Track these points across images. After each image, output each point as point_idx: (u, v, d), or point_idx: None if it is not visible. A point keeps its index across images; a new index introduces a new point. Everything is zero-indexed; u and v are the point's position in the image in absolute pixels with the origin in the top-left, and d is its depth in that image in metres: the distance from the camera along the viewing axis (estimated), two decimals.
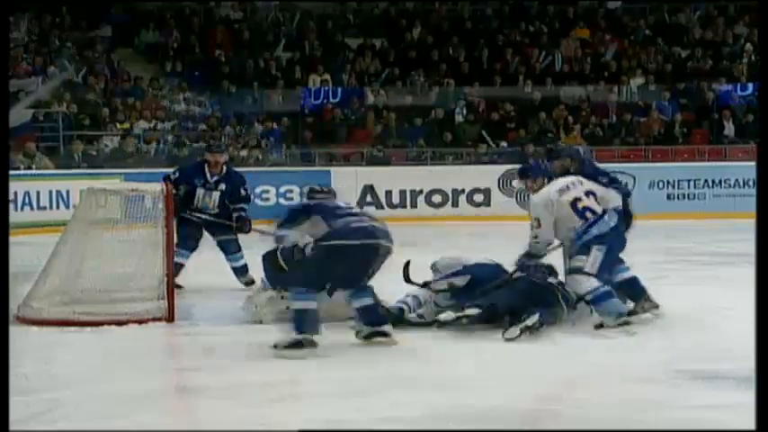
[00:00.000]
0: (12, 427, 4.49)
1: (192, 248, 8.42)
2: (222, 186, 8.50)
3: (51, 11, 19.68)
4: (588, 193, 6.61)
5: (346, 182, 15.98)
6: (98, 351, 6.12)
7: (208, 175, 8.49)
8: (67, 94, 17.44)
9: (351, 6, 21.63)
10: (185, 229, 8.32)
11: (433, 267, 7.15)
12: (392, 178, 16.47)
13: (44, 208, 14.44)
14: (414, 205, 16.19)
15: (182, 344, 6.40)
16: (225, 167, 8.62)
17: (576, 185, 6.67)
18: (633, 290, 6.69)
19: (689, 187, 16.29)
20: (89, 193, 7.68)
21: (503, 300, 6.49)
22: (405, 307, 6.86)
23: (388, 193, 16.20)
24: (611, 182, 6.99)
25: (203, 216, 8.45)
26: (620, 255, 6.76)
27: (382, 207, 16.06)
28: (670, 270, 6.88)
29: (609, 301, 6.39)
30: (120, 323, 6.74)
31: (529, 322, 6.27)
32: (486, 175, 16.35)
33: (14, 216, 13.99)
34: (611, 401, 4.89)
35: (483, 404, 4.81)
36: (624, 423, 4.52)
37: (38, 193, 14.43)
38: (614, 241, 6.52)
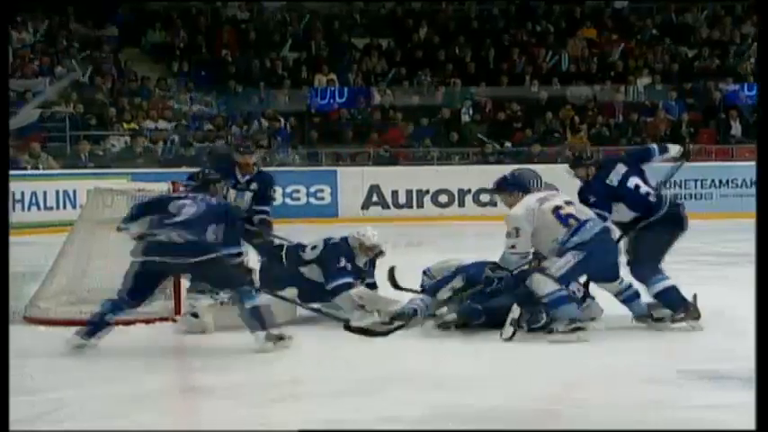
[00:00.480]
0: (18, 426, 4.50)
1: None
2: (254, 186, 8.23)
3: (58, 11, 19.70)
4: (568, 202, 6.48)
5: (352, 182, 16.04)
6: (104, 351, 6.12)
7: (239, 176, 8.21)
8: (74, 94, 17.47)
9: (357, 6, 21.64)
10: None
11: (427, 273, 7.08)
12: (398, 178, 16.47)
13: (51, 208, 14.47)
14: (420, 205, 16.19)
15: (187, 344, 6.40)
16: (256, 167, 8.39)
17: (554, 196, 6.54)
18: (669, 300, 6.50)
19: (696, 187, 16.25)
20: (96, 193, 7.68)
21: (504, 302, 6.48)
22: (417, 308, 6.82)
23: (395, 193, 16.20)
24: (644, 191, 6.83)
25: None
26: (657, 263, 6.62)
27: (388, 207, 16.08)
28: (678, 270, 6.82)
29: (563, 305, 6.23)
30: (126, 323, 6.73)
31: (515, 314, 6.26)
32: (492, 174, 16.04)
33: (21, 216, 14.06)
34: (613, 402, 4.87)
35: (484, 404, 4.80)
36: (626, 423, 4.50)
37: (44, 193, 14.47)
38: (597, 248, 6.31)
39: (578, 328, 6.19)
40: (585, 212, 6.50)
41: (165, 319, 6.94)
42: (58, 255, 7.41)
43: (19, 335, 6.57)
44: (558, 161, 16.84)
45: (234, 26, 20.71)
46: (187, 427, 4.61)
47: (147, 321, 6.85)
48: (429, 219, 15.61)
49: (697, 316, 6.48)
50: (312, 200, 16.07)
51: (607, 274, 6.53)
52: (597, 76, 19.72)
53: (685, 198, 16.16)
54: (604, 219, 6.63)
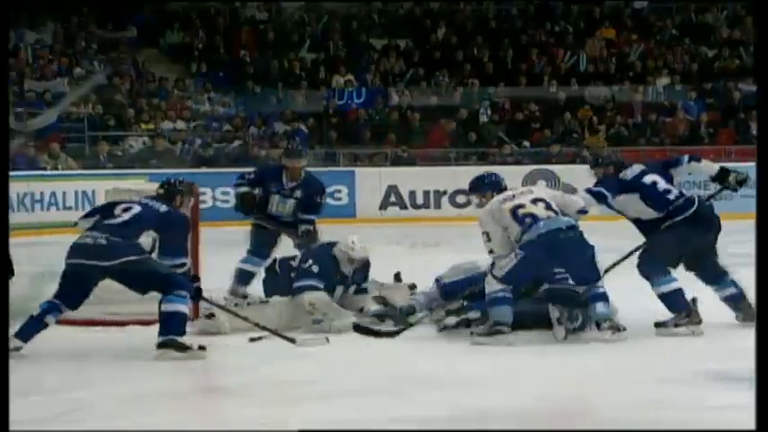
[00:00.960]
0: (37, 426, 4.52)
1: (265, 256, 7.83)
2: (298, 194, 7.92)
3: (77, 12, 19.78)
4: (536, 201, 6.35)
5: (370, 182, 16.02)
6: (123, 351, 6.14)
7: (285, 181, 7.93)
8: (93, 94, 17.53)
9: (375, 7, 21.64)
10: (259, 237, 7.96)
11: (439, 281, 7.02)
12: (416, 179, 16.44)
13: (70, 208, 14.50)
14: (438, 206, 16.16)
15: (206, 344, 6.40)
16: (304, 173, 8.05)
17: (525, 194, 6.46)
18: (672, 303, 6.40)
19: (716, 188, 16.09)
20: (114, 193, 7.68)
21: (525, 307, 6.46)
22: (415, 304, 6.84)
23: (412, 194, 16.18)
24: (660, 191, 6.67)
25: (279, 221, 7.95)
26: (666, 263, 6.47)
27: (406, 207, 16.06)
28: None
29: (497, 307, 6.22)
30: (145, 323, 6.75)
31: (556, 314, 6.27)
32: (510, 175, 16.12)
33: (41, 216, 14.14)
34: (631, 402, 4.86)
35: (494, 404, 4.81)
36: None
37: (64, 194, 14.52)
38: (544, 247, 6.16)
39: (498, 332, 6.14)
40: (568, 204, 6.44)
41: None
42: None
43: (39, 335, 6.60)
44: (577, 161, 16.82)
45: (252, 27, 20.74)
46: (201, 427, 4.62)
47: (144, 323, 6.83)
48: (446, 219, 15.57)
49: (698, 321, 6.37)
50: (330, 200, 15.96)
51: (582, 275, 6.31)
52: (616, 76, 19.64)
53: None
54: (601, 197, 6.56)
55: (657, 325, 6.40)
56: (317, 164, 17.14)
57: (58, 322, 6.92)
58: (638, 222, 6.76)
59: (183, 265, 6.12)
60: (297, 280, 6.83)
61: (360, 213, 15.69)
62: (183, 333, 5.88)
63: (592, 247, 6.34)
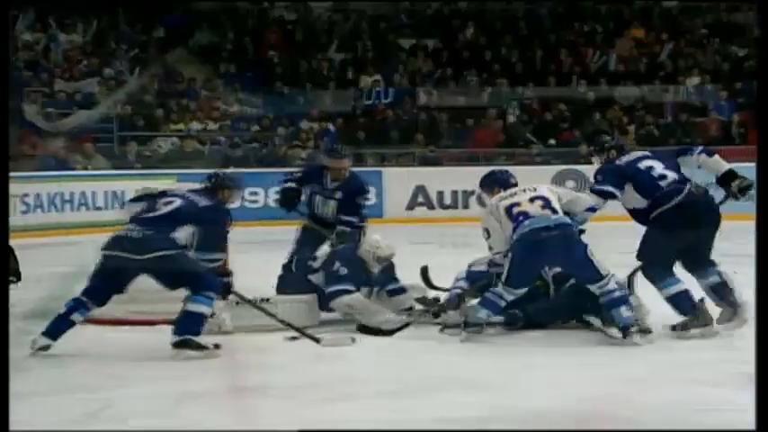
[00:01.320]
0: (69, 426, 4.54)
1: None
2: (339, 195, 7.74)
3: (108, 12, 19.90)
4: (534, 199, 6.27)
5: (398, 182, 16.01)
6: (152, 350, 6.16)
7: (327, 182, 7.77)
8: (122, 95, 17.64)
9: (403, 7, 21.62)
10: (303, 237, 7.82)
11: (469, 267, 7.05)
12: (444, 179, 16.41)
13: (99, 208, 14.61)
14: (465, 206, 16.11)
15: (236, 343, 6.41)
16: (348, 173, 7.85)
17: (526, 192, 6.37)
18: (680, 305, 6.27)
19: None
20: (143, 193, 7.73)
21: (543, 304, 6.49)
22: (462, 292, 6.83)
23: (440, 194, 16.16)
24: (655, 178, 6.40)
25: (324, 223, 7.80)
26: (669, 262, 6.31)
27: (433, 207, 16.05)
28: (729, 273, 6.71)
29: (477, 306, 6.27)
30: (173, 323, 6.76)
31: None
32: (538, 175, 16.19)
33: (70, 216, 14.25)
34: (667, 402, 4.84)
35: (536, 405, 4.79)
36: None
37: (93, 194, 14.61)
38: (526, 246, 6.09)
39: (478, 332, 6.19)
40: (575, 202, 6.37)
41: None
42: None
43: (68, 334, 6.63)
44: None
45: (281, 27, 20.79)
46: (236, 427, 4.62)
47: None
48: (474, 219, 15.43)
49: (708, 321, 6.22)
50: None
51: (582, 274, 6.22)
52: (646, 76, 19.51)
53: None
54: (607, 195, 6.42)
55: (673, 328, 6.26)
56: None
57: (88, 321, 6.97)
58: (631, 213, 6.54)
59: (218, 260, 6.12)
60: (327, 285, 6.78)
61: (387, 214, 15.67)
62: (199, 333, 5.89)
63: (584, 246, 6.18)
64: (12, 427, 4.28)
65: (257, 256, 8.48)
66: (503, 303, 6.27)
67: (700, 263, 6.41)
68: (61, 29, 18.90)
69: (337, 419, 4.57)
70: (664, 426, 4.49)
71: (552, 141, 17.72)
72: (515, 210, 6.25)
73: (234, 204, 6.50)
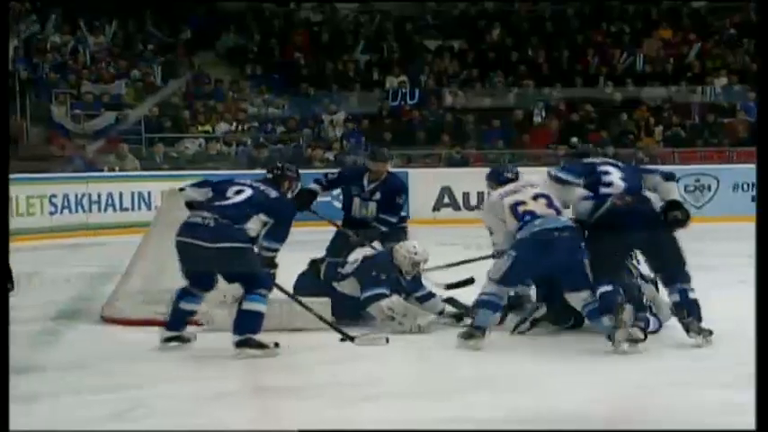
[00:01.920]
0: (96, 426, 4.56)
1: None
2: (377, 196, 7.68)
3: (135, 15, 20.02)
4: (538, 197, 6.20)
5: (424, 184, 15.96)
6: (179, 350, 6.18)
7: (365, 183, 7.71)
8: (150, 97, 17.72)
9: (429, 7, 21.61)
10: (335, 241, 7.78)
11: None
12: (470, 180, 16.35)
13: (127, 209, 14.68)
14: None
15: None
16: (385, 174, 7.79)
17: (527, 189, 6.31)
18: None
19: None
20: (170, 194, 7.75)
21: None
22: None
23: (466, 195, 16.11)
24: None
25: (363, 225, 7.72)
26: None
27: (459, 209, 16.00)
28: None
29: (482, 310, 6.14)
30: (200, 323, 6.79)
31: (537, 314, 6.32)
32: None
33: (98, 217, 14.34)
34: (691, 406, 4.82)
35: (554, 407, 4.79)
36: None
37: (120, 195, 14.69)
38: (534, 248, 6.01)
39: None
40: (574, 200, 6.29)
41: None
42: (134, 256, 7.50)
43: (96, 334, 6.70)
44: (633, 162, 16.65)
45: (307, 29, 20.83)
46: (260, 427, 4.63)
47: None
48: None
49: (620, 325, 5.95)
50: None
51: (571, 279, 6.11)
52: (673, 76, 19.38)
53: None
54: (561, 181, 6.36)
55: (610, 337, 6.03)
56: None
57: (113, 321, 7.02)
58: (577, 215, 6.43)
59: (276, 250, 6.19)
60: (364, 290, 6.76)
61: (413, 215, 15.57)
62: (257, 331, 5.92)
63: (583, 252, 6.11)
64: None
65: (281, 255, 8.50)
66: (503, 303, 6.24)
67: (671, 276, 6.24)
68: (89, 31, 19.03)
69: (360, 420, 4.58)
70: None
71: (575, 139, 17.56)
72: (521, 208, 6.17)
73: (291, 192, 6.57)
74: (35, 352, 6.20)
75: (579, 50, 20.12)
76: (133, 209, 14.69)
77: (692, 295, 6.19)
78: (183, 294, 6.19)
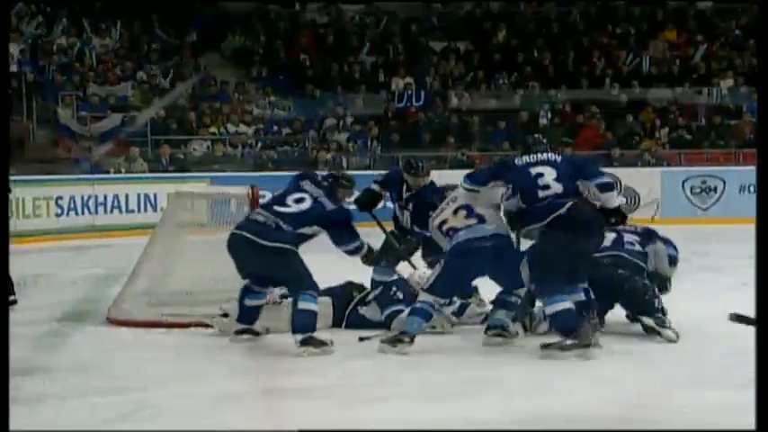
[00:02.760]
0: (104, 426, 4.57)
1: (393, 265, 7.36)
2: (411, 206, 7.48)
3: (141, 17, 20.05)
4: (457, 210, 6.31)
5: None
6: (186, 352, 6.19)
7: (403, 191, 7.56)
8: (156, 98, 17.75)
9: (435, 9, 21.61)
10: (384, 250, 7.37)
11: None
12: None
13: (132, 211, 14.72)
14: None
15: (269, 345, 6.44)
16: (422, 185, 7.52)
17: (449, 205, 6.39)
18: (559, 324, 5.99)
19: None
20: (176, 196, 7.78)
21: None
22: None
23: None
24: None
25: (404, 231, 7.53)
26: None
27: None
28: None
29: (411, 317, 6.20)
30: (206, 325, 6.81)
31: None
32: None
33: (104, 219, 14.37)
34: (691, 406, 4.83)
35: (559, 408, 4.80)
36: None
37: (126, 197, 14.73)
38: (460, 256, 6.13)
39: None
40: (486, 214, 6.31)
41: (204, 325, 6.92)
42: (140, 257, 7.51)
43: (102, 336, 6.70)
44: (638, 165, 16.64)
45: (312, 30, 20.84)
46: (269, 427, 4.64)
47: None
48: None
49: (587, 342, 5.88)
50: (390, 203, 16.01)
51: (510, 282, 6.24)
52: (679, 78, 19.37)
53: None
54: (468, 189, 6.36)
55: (544, 347, 5.99)
56: (375, 167, 17.22)
57: (119, 323, 7.03)
58: (507, 215, 6.45)
59: (359, 247, 6.42)
60: (384, 309, 6.85)
61: None
62: (314, 329, 6.09)
63: (520, 255, 6.18)
64: (38, 428, 4.33)
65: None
66: (433, 312, 6.28)
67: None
68: (95, 33, 19.06)
69: (365, 421, 4.59)
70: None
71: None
72: (444, 227, 6.35)
73: (345, 201, 6.69)
74: (41, 353, 6.21)
75: (585, 52, 20.10)
76: (139, 211, 14.73)
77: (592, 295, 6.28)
78: (247, 291, 6.41)
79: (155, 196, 14.51)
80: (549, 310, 5.99)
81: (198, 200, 7.68)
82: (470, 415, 4.70)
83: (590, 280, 6.29)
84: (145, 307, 7.25)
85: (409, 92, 19.02)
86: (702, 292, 6.74)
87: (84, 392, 5.18)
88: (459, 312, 7.03)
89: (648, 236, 6.93)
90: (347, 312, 6.96)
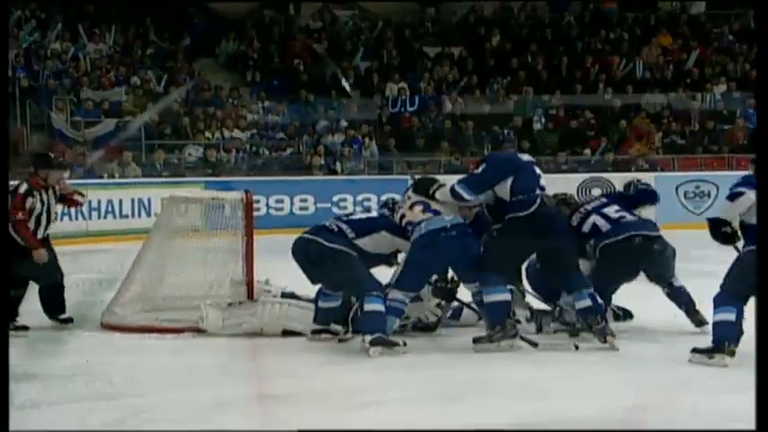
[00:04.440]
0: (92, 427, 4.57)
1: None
2: None
3: (136, 22, 20.03)
4: (413, 205, 6.43)
5: None
6: (180, 357, 6.19)
7: None
8: (150, 103, 17.72)
9: (429, 14, 21.62)
10: None
11: None
12: None
13: (126, 216, 14.69)
14: None
15: (264, 350, 6.44)
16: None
17: (405, 202, 6.53)
18: (489, 314, 6.24)
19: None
20: (170, 201, 7.77)
21: None
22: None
23: None
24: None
25: None
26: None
27: None
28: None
29: (389, 316, 6.28)
30: (200, 330, 6.80)
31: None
32: (565, 183, 16.11)
33: (98, 224, 14.32)
34: (691, 408, 4.85)
35: (559, 410, 4.82)
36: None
37: (120, 202, 14.70)
38: (423, 248, 6.23)
39: (378, 342, 6.16)
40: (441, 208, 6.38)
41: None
42: (134, 262, 7.51)
43: (96, 341, 6.69)
44: (632, 170, 16.65)
45: (306, 35, 20.83)
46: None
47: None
48: None
49: (513, 334, 6.16)
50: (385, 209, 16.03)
51: (464, 272, 6.38)
52: (672, 83, 19.40)
53: None
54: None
55: (476, 340, 6.21)
56: (370, 172, 17.24)
57: (113, 328, 7.02)
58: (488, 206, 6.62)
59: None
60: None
61: None
62: (384, 329, 6.18)
63: (478, 244, 6.32)
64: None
65: (284, 263, 8.51)
66: (405, 308, 6.38)
67: (572, 281, 6.39)
68: (89, 38, 19.03)
69: (368, 425, 4.59)
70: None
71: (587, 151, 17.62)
72: (404, 221, 6.46)
73: None
74: (35, 359, 6.20)
75: (578, 57, 20.12)
76: (133, 216, 14.70)
77: (599, 300, 6.35)
78: (321, 294, 6.65)
79: (149, 201, 14.49)
80: (486, 298, 6.19)
81: (192, 205, 7.67)
82: (464, 419, 4.70)
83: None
84: (139, 312, 7.24)
85: (403, 97, 19.02)
86: (697, 297, 6.74)
87: (79, 398, 5.17)
88: (455, 316, 7.03)
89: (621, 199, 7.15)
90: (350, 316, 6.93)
